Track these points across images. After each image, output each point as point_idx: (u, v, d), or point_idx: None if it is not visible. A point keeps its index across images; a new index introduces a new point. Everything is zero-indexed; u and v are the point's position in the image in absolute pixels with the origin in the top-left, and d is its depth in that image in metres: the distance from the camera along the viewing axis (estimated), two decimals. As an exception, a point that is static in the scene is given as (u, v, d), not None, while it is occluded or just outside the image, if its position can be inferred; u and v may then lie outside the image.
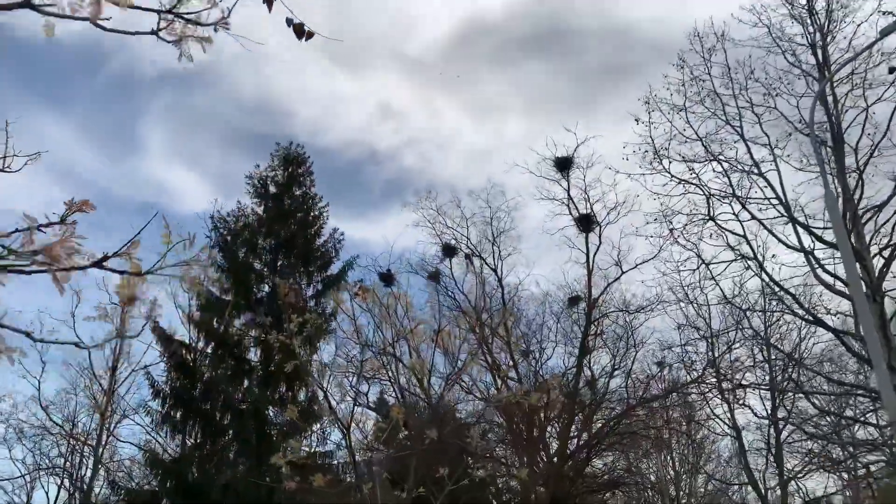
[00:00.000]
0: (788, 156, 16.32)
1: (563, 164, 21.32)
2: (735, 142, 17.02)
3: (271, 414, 18.86)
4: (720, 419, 27.78)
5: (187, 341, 19.45)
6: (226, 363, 18.69)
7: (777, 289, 15.81)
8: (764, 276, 16.78)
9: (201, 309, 18.97)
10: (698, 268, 17.22)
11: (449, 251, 23.92)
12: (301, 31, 3.80)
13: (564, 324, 25.23)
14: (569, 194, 21.58)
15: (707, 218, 16.16)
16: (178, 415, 18.70)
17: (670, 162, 16.33)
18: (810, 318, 15.66)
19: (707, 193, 16.14)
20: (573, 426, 24.10)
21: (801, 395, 25.55)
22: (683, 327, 24.74)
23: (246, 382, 19.01)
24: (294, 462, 18.22)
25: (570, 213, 21.85)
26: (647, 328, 24.37)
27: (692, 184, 16.17)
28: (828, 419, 19.21)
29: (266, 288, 20.19)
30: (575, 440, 24.36)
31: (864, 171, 15.01)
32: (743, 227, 15.99)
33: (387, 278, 23.84)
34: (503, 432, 27.26)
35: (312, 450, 19.94)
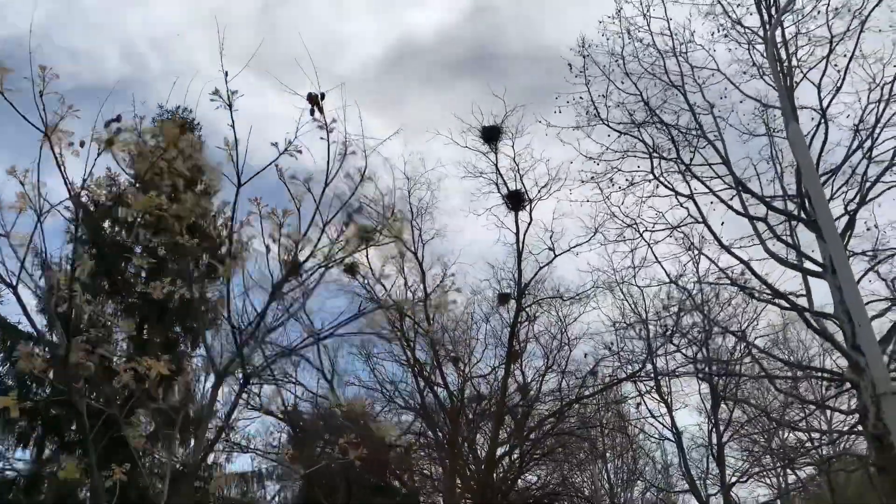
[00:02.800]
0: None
1: (491, 135, 19.09)
2: (678, 110, 15.16)
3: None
4: (658, 420, 25.84)
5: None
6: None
7: (727, 262, 13.82)
8: (706, 252, 14.94)
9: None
10: (638, 238, 15.13)
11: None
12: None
13: (494, 324, 22.94)
14: (497, 168, 19.36)
15: (650, 175, 14.12)
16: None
17: (608, 111, 14.27)
18: (768, 292, 13.68)
19: (650, 149, 14.12)
20: (501, 429, 21.66)
21: (743, 391, 24.15)
22: (619, 325, 22.90)
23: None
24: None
25: (499, 190, 19.61)
26: (582, 323, 22.05)
27: (633, 137, 14.14)
28: (768, 418, 17.44)
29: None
30: (506, 447, 21.91)
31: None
32: (691, 188, 14.02)
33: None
34: (426, 440, 24.66)
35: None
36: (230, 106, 6.39)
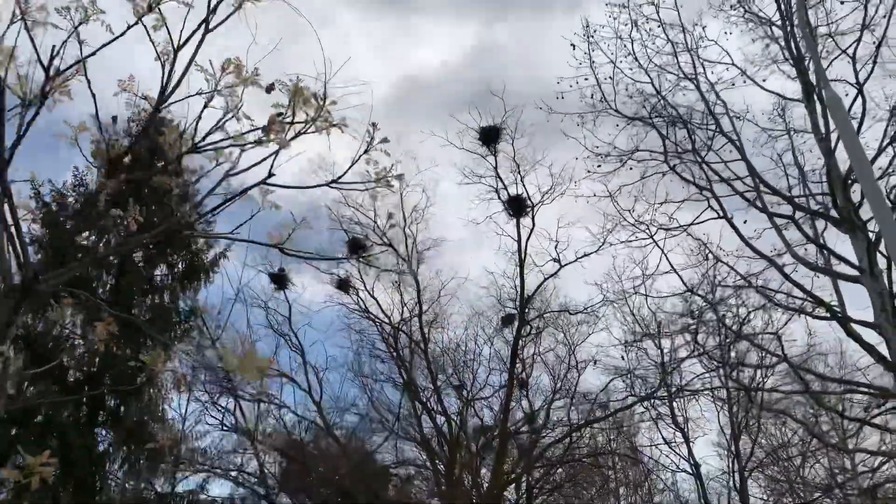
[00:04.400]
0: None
1: (490, 136, 17.82)
2: (693, 102, 13.85)
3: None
4: (673, 449, 23.94)
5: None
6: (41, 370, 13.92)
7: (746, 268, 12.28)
8: (723, 258, 13.44)
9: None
10: (649, 243, 13.68)
11: (356, 248, 19.81)
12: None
13: (497, 345, 21.37)
14: (496, 172, 18.04)
15: (663, 166, 12.71)
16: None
17: (616, 95, 12.92)
18: (800, 296, 12.06)
19: (664, 136, 12.73)
20: (505, 459, 19.96)
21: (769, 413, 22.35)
22: (631, 339, 21.33)
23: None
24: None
25: (498, 196, 18.25)
26: (591, 345, 20.47)
27: (644, 122, 12.76)
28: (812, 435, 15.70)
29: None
30: (511, 476, 20.18)
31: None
32: (708, 178, 12.57)
33: (278, 279, 19.52)
34: (426, 472, 22.95)
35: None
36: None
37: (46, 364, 13.75)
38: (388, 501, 21.79)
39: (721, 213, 12.31)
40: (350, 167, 4.36)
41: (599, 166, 12.92)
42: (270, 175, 4.66)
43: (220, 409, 16.30)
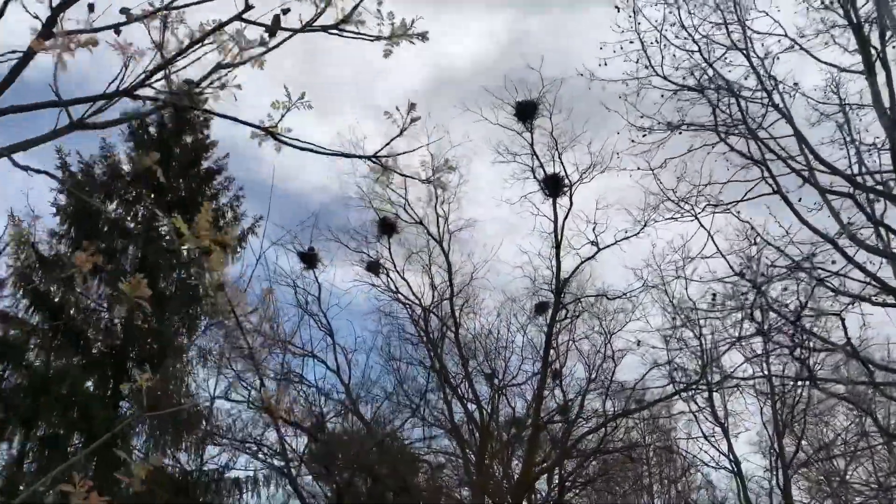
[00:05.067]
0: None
1: (527, 111, 17.12)
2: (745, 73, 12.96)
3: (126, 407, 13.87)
4: (713, 444, 22.94)
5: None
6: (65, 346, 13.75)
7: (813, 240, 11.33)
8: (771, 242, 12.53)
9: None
10: (692, 223, 12.88)
11: (387, 228, 19.33)
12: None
13: (530, 332, 20.66)
14: (532, 149, 17.34)
15: (713, 131, 11.86)
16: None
17: (662, 61, 12.12)
18: (869, 280, 11.12)
19: (713, 104, 11.91)
20: (537, 450, 19.32)
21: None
22: (672, 324, 20.46)
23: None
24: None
25: (534, 175, 17.55)
26: (629, 333, 19.62)
27: (692, 90, 11.95)
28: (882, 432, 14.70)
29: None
30: (542, 466, 19.56)
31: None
32: (761, 151, 11.71)
33: (308, 259, 19.13)
34: (456, 460, 22.43)
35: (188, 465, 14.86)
36: None
37: (72, 336, 13.60)
38: (417, 488, 21.33)
39: (775, 188, 11.45)
40: (387, 144, 3.67)
41: (645, 136, 12.16)
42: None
43: (245, 385, 16.00)
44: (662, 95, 12.42)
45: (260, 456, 15.89)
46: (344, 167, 18.90)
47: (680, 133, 12.13)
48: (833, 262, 12.28)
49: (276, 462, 16.08)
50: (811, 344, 11.96)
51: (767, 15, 13.24)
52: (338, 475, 20.78)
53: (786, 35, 13.18)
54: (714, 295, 12.51)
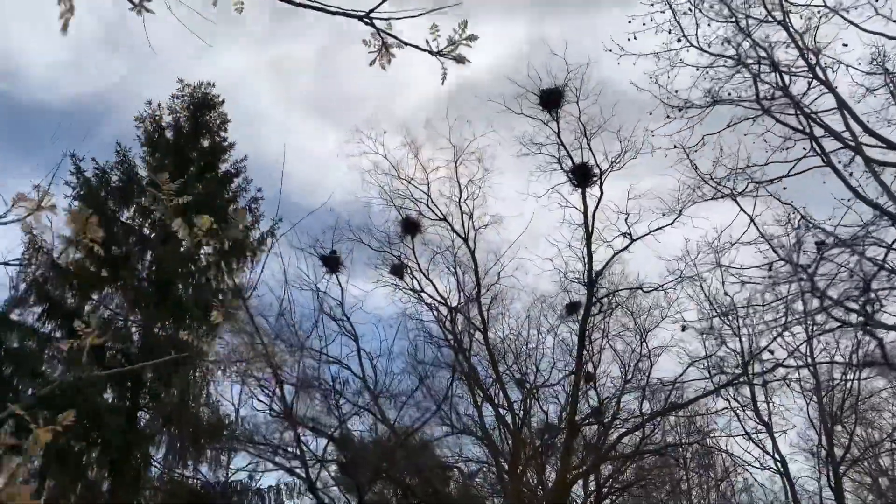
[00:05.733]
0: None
1: (551, 99, 16.43)
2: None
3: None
4: (756, 443, 21.86)
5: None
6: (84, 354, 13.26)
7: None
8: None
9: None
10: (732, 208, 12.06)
11: (410, 227, 18.71)
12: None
13: (562, 333, 19.83)
14: (559, 138, 16.62)
15: (755, 102, 11.06)
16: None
17: (697, 26, 11.35)
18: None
19: (755, 73, 11.12)
20: (572, 455, 18.48)
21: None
22: (708, 333, 19.60)
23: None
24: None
25: (561, 166, 16.81)
26: (665, 329, 18.78)
27: (730, 59, 11.18)
28: None
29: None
30: (577, 471, 18.70)
31: None
32: (809, 125, 10.87)
33: (331, 262, 18.56)
34: (488, 467, 21.63)
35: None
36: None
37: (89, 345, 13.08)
38: (448, 498, 20.58)
39: (825, 160, 10.60)
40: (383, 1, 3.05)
41: (682, 110, 11.39)
42: None
43: (268, 393, 15.44)
44: (697, 69, 11.68)
45: (277, 460, 15.20)
46: (362, 164, 18.14)
47: (718, 105, 11.35)
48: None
49: (296, 469, 15.38)
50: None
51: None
52: (365, 485, 20.16)
53: (825, 5, 12.40)
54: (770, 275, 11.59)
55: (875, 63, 12.60)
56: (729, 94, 11.41)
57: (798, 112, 11.12)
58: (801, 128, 10.86)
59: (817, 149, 10.73)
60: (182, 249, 14.21)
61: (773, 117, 11.04)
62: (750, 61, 11.91)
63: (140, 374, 13.60)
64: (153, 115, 16.12)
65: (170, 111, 16.59)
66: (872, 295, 9.89)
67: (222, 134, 16.93)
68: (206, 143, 16.69)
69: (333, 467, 18.77)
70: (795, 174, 10.99)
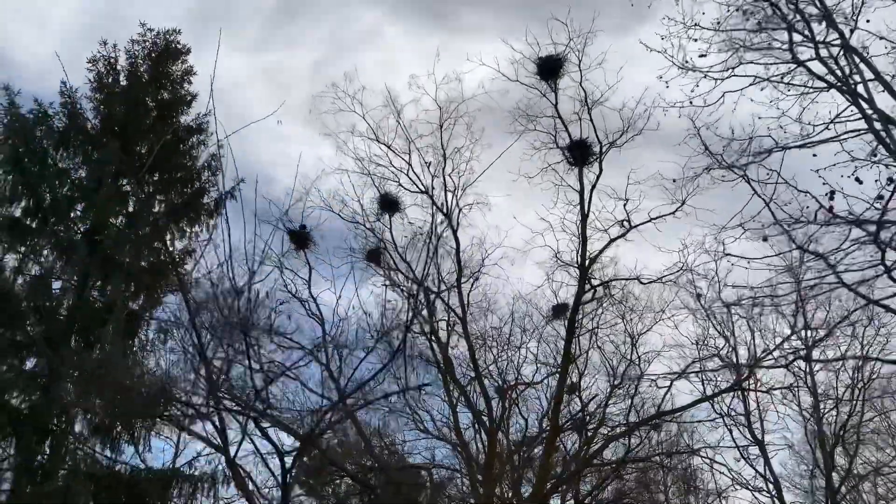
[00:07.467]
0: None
1: (550, 69, 14.94)
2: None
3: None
4: (748, 462, 20.44)
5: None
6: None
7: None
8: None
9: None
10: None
11: (389, 205, 17.06)
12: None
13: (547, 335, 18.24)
14: (557, 111, 15.10)
15: (790, 57, 9.59)
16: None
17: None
18: None
19: (789, 22, 9.65)
20: (552, 459, 16.88)
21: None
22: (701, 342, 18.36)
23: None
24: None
25: (556, 144, 15.28)
26: (657, 335, 17.28)
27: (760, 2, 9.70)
28: None
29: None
30: (556, 481, 17.11)
31: None
32: (845, 75, 9.39)
33: (300, 238, 16.83)
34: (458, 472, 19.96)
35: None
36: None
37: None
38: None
39: (876, 116, 9.03)
40: None
41: (702, 56, 9.92)
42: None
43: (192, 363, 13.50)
44: (719, 21, 10.19)
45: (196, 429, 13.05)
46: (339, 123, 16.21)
47: (744, 56, 9.85)
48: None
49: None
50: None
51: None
52: (332, 490, 18.47)
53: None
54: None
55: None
56: (752, 40, 9.93)
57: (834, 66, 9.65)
58: (837, 83, 9.35)
59: (859, 110, 9.20)
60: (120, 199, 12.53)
61: (808, 69, 9.56)
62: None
63: (67, 343, 11.86)
64: (108, 57, 14.47)
65: (127, 55, 14.96)
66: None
67: (185, 86, 15.32)
68: (166, 95, 15.06)
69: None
70: (842, 138, 9.37)
